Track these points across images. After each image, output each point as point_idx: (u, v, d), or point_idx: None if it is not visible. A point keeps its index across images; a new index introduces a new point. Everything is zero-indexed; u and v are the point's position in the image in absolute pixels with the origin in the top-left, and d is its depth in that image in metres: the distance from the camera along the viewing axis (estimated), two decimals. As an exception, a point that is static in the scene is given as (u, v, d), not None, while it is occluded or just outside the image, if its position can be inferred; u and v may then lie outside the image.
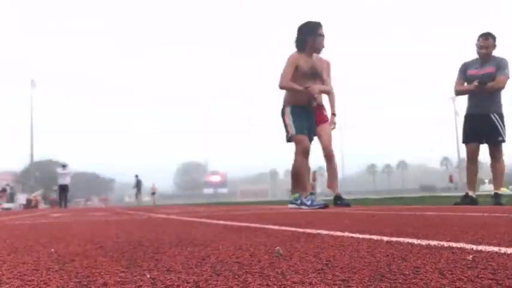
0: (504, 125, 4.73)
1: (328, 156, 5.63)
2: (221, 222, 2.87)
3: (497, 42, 4.81)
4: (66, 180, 18.18)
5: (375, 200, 9.08)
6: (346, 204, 5.45)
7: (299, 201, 5.07)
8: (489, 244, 1.25)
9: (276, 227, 2.17)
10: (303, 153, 5.02)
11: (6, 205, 23.29)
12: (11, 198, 25.56)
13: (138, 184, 26.04)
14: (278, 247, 1.24)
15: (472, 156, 4.91)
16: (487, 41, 4.77)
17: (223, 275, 0.90)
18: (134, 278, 0.91)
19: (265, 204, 8.94)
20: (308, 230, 1.91)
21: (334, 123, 5.81)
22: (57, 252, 1.40)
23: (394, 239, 1.46)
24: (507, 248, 1.15)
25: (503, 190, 5.20)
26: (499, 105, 4.78)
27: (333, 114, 5.82)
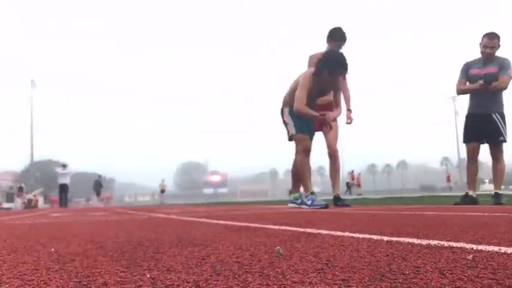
0: (505, 125, 4.75)
1: (332, 155, 5.60)
2: (221, 222, 2.87)
3: (501, 43, 4.80)
4: (66, 180, 18.19)
5: (375, 199, 9.09)
6: (346, 205, 5.43)
7: (299, 201, 5.06)
8: (489, 244, 1.25)
9: (276, 227, 2.17)
10: (303, 152, 5.01)
11: (6, 205, 23.29)
12: (11, 198, 25.57)
13: (97, 185, 23.25)
14: (278, 247, 1.24)
15: (473, 155, 4.92)
16: (492, 40, 4.74)
17: (223, 275, 0.90)
18: (134, 278, 0.91)
19: (265, 204, 8.94)
20: (308, 230, 1.91)
21: (351, 119, 5.69)
22: (57, 252, 1.40)
23: (394, 238, 1.46)
24: (507, 248, 1.15)
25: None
26: (501, 105, 4.79)
27: (349, 110, 5.72)
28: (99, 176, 23.78)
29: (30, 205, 23.29)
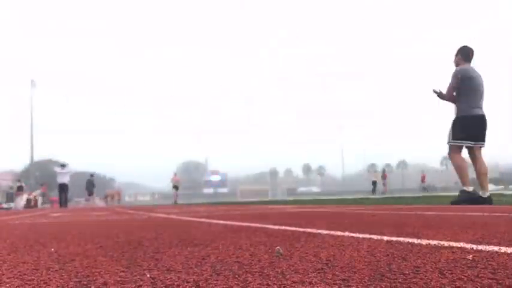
0: (453, 127, 5.01)
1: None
2: (221, 222, 2.87)
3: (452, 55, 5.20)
4: (65, 179, 18.15)
5: (375, 199, 9.09)
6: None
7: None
8: (489, 244, 1.25)
9: (276, 227, 2.17)
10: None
11: (6, 205, 23.27)
12: (11, 198, 25.56)
13: (89, 184, 22.04)
14: (278, 247, 1.24)
15: (449, 154, 5.08)
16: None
17: (223, 275, 0.90)
18: (134, 278, 0.91)
19: (265, 204, 8.94)
20: (308, 230, 1.91)
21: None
22: (57, 252, 1.40)
23: (394, 238, 1.46)
24: (507, 248, 1.15)
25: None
26: (457, 111, 5.00)
27: None
28: (91, 175, 22.95)
29: (29, 205, 23.29)
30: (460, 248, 1.19)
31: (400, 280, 0.80)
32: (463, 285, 0.74)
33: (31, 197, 24.82)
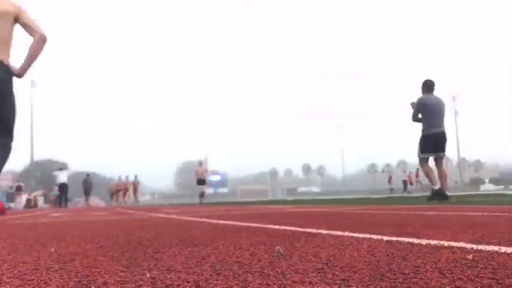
0: (421, 144, 6.30)
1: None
2: (221, 221, 2.88)
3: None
4: (64, 179, 18.12)
5: (375, 199, 9.09)
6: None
7: None
8: (489, 243, 1.25)
9: (276, 227, 2.17)
10: None
11: (6, 205, 23.28)
12: (11, 198, 25.56)
13: (87, 185, 21.12)
14: (278, 246, 1.24)
15: (420, 163, 6.45)
16: None
17: (223, 275, 0.90)
18: (134, 278, 0.91)
19: (265, 204, 8.94)
20: (308, 230, 1.91)
21: None
22: (57, 252, 1.40)
23: (394, 238, 1.46)
24: (507, 248, 1.15)
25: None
26: (423, 129, 6.28)
27: None
28: (88, 175, 21.94)
29: (29, 205, 23.29)
30: (460, 247, 1.19)
31: (400, 280, 0.80)
32: (463, 285, 0.74)
33: (31, 197, 24.81)
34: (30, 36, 3.20)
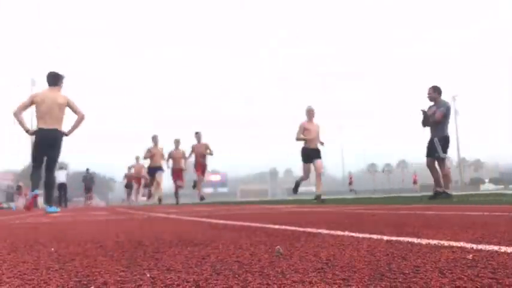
0: (445, 145, 6.83)
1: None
2: (221, 221, 2.87)
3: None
4: (62, 178, 17.99)
5: (375, 199, 9.09)
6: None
7: None
8: (489, 243, 1.25)
9: (276, 227, 2.17)
10: None
11: (5, 204, 23.29)
12: (11, 198, 25.56)
13: (89, 181, 19.44)
14: (278, 246, 1.24)
15: (430, 164, 6.98)
16: (428, 90, 7.02)
17: (223, 274, 0.90)
18: (134, 277, 0.91)
19: (266, 204, 8.94)
20: (308, 229, 1.91)
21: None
22: (57, 252, 1.40)
23: (394, 238, 1.46)
24: (507, 247, 1.15)
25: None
26: (442, 131, 6.88)
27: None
28: (88, 170, 19.66)
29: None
30: (460, 247, 1.19)
31: (400, 280, 0.80)
32: (463, 285, 0.74)
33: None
34: (74, 114, 6.20)
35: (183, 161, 12.39)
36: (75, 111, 6.13)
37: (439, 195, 6.71)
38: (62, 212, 6.77)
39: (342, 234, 1.67)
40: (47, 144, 6.00)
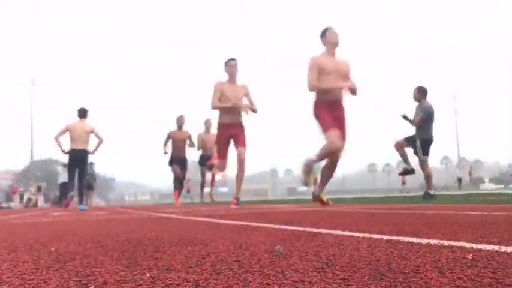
0: (422, 146, 6.90)
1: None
2: (221, 221, 2.87)
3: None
4: (64, 178, 18.01)
5: (375, 198, 9.09)
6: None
7: None
8: (489, 243, 1.25)
9: (276, 226, 2.17)
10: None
11: (5, 204, 23.30)
12: (11, 197, 25.59)
13: (89, 177, 16.66)
14: (278, 246, 1.24)
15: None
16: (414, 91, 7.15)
17: (223, 274, 0.90)
18: (134, 277, 0.91)
19: (265, 203, 8.94)
20: (308, 229, 1.91)
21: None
22: (57, 251, 1.40)
23: (394, 237, 1.46)
24: (507, 247, 1.15)
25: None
26: (425, 133, 6.96)
27: None
28: (91, 163, 17.21)
29: (29, 204, 23.28)
30: (460, 247, 1.19)
31: (400, 279, 0.80)
32: (463, 285, 0.74)
33: (32, 196, 24.79)
34: (96, 138, 8.52)
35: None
36: (97, 136, 8.54)
37: (426, 195, 7.01)
38: (62, 212, 6.77)
39: (341, 233, 1.67)
40: (78, 160, 8.45)
